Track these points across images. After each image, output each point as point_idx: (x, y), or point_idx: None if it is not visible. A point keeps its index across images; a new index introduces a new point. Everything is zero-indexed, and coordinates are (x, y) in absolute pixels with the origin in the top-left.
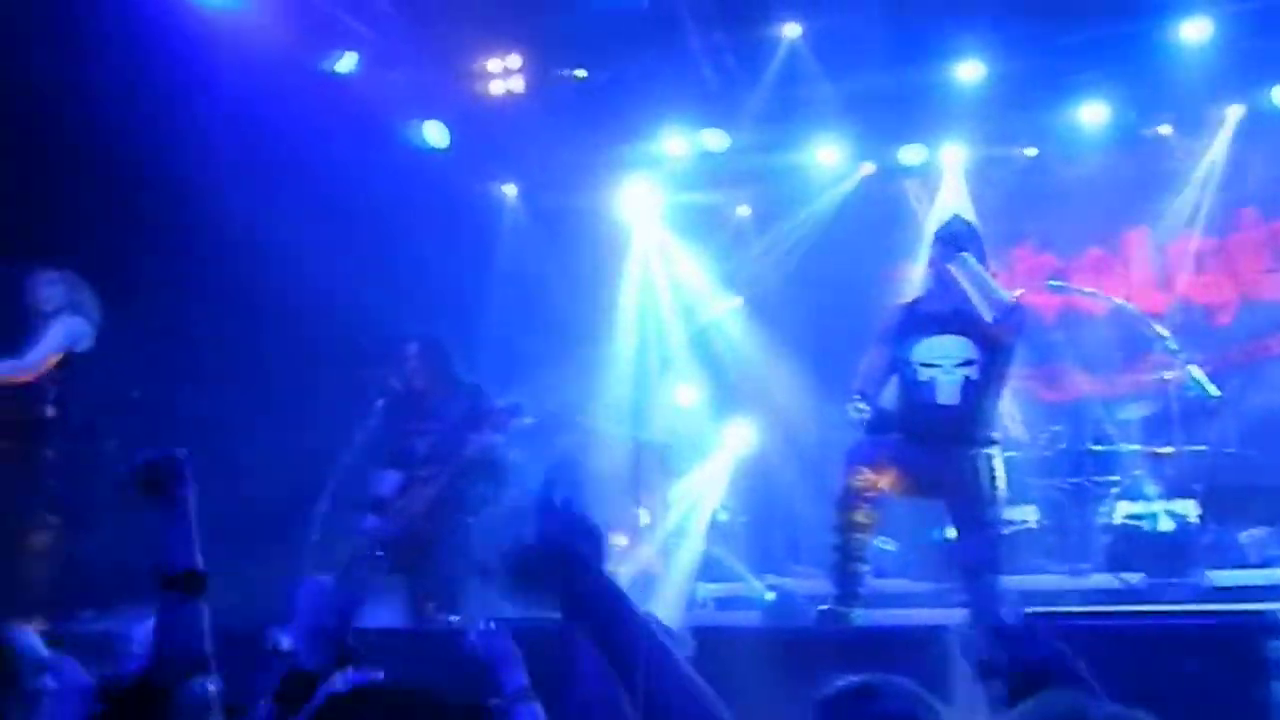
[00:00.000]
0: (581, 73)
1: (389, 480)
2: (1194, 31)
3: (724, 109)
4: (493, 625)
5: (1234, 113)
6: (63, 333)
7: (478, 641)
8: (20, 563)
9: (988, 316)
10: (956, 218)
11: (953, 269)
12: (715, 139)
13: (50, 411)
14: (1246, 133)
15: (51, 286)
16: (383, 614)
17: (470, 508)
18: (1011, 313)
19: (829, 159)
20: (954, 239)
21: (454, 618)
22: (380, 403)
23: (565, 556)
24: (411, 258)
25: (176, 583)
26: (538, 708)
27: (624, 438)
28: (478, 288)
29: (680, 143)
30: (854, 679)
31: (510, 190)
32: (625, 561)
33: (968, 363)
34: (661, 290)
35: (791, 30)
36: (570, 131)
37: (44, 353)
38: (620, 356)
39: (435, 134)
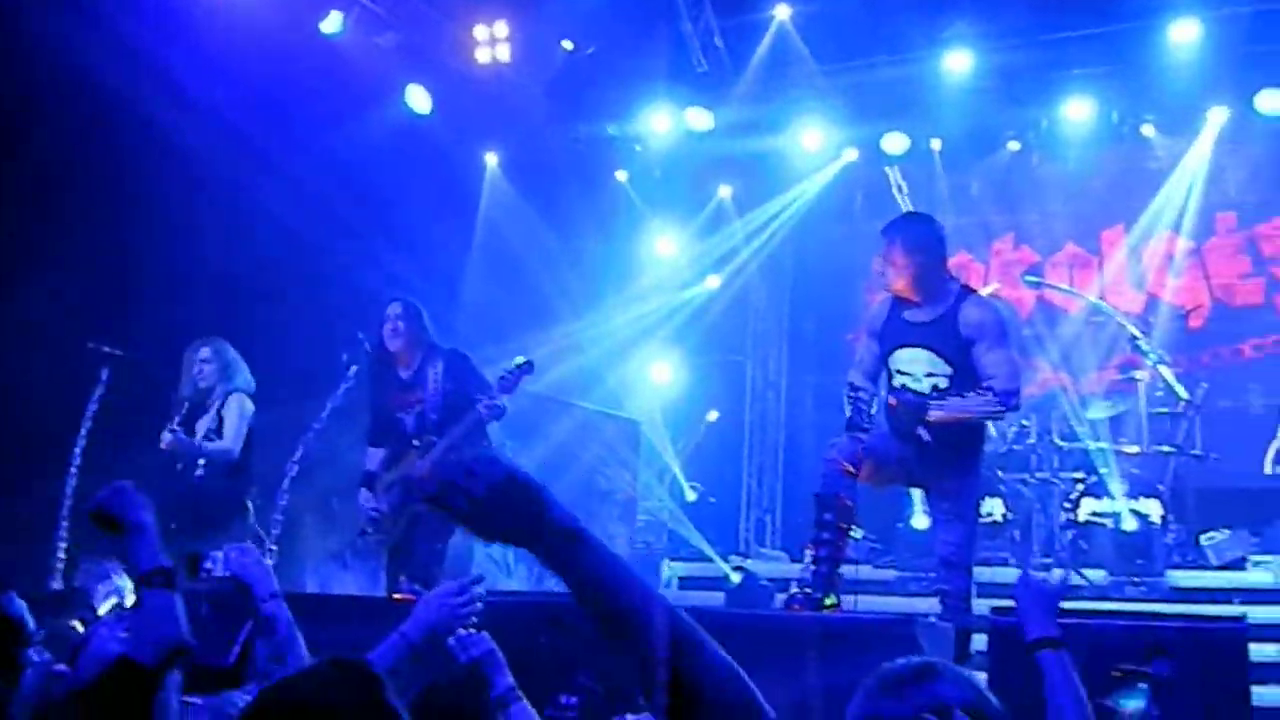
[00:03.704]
0: (569, 44)
1: (376, 456)
2: (1182, 33)
3: (710, 89)
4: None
5: (1217, 116)
6: (239, 410)
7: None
8: None
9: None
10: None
11: (932, 418)
12: (700, 118)
13: None
14: (1228, 137)
15: (207, 363)
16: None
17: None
18: (1003, 404)
19: (813, 143)
20: (908, 409)
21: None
22: (353, 369)
23: (533, 488)
24: (391, 222)
25: (147, 579)
26: (527, 705)
27: (599, 415)
28: (457, 256)
29: (665, 120)
30: (914, 659)
31: (492, 159)
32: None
33: (938, 374)
34: (641, 268)
35: (782, 12)
36: (555, 103)
37: (239, 434)
38: (598, 333)
39: (419, 99)
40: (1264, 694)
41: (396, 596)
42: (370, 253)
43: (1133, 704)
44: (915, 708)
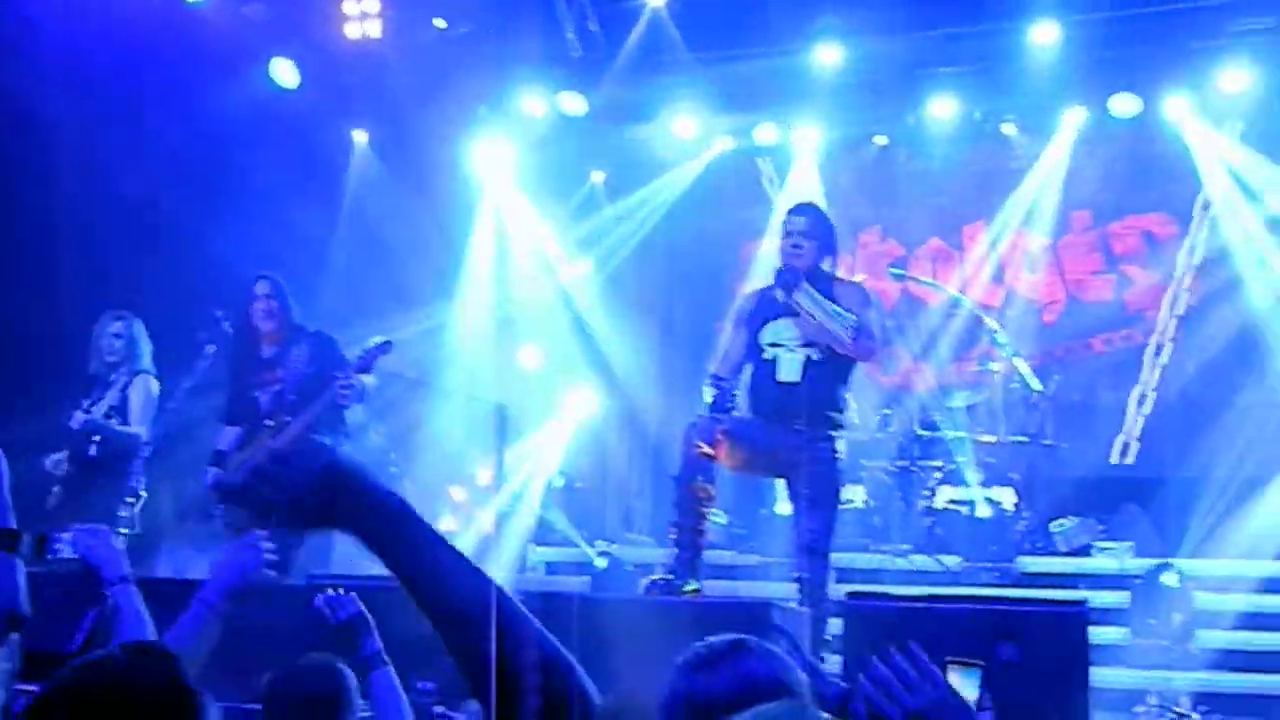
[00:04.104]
0: (441, 23)
1: (229, 435)
2: (1042, 36)
3: (585, 73)
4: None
5: (1074, 118)
6: (146, 393)
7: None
8: None
9: (840, 347)
10: (800, 208)
11: (799, 300)
12: (574, 102)
13: None
14: (1085, 138)
15: (118, 338)
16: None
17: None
18: (858, 335)
19: (685, 131)
20: (787, 273)
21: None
22: (210, 349)
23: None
24: (255, 198)
25: None
26: (391, 671)
27: (464, 397)
28: (321, 235)
29: (538, 103)
30: (726, 636)
31: (361, 137)
32: (460, 522)
33: (811, 344)
34: (510, 250)
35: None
36: (426, 82)
37: (146, 418)
38: (465, 315)
39: (286, 73)
40: (1106, 675)
41: None
42: (233, 229)
43: (966, 692)
44: (727, 683)
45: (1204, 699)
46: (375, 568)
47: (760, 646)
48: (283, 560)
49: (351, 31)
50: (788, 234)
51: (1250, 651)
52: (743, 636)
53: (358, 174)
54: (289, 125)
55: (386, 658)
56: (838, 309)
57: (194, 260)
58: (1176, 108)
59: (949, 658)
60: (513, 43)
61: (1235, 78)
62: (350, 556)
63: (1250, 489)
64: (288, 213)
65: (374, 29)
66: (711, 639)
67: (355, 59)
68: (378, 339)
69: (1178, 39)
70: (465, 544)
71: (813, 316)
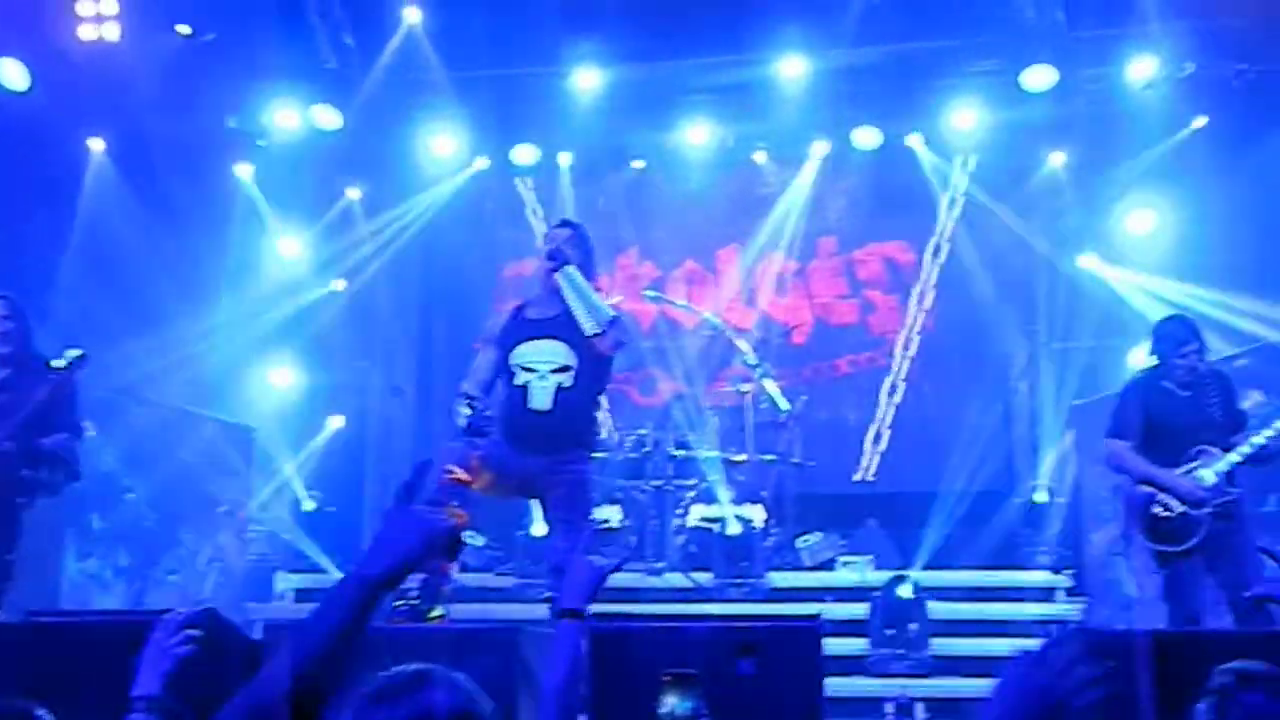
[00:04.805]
0: (185, 29)
1: None
2: (790, 69)
3: (339, 87)
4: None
5: (820, 148)
6: None
7: None
8: None
9: (588, 330)
10: (565, 223)
11: (558, 279)
12: (328, 117)
13: None
14: (831, 168)
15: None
16: None
17: (25, 490)
18: (611, 326)
19: (443, 149)
20: (559, 249)
21: None
22: None
23: None
24: None
25: None
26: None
27: (209, 418)
28: (53, 250)
29: (290, 115)
30: (411, 667)
31: (98, 145)
32: (204, 546)
33: (563, 369)
34: (260, 267)
35: (412, 15)
36: (169, 90)
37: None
38: (211, 332)
39: (15, 75)
40: (846, 684)
41: None
42: None
43: (683, 706)
44: (406, 715)
45: (938, 704)
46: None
47: (445, 676)
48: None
49: (86, 34)
50: (552, 240)
51: (982, 658)
52: (427, 666)
53: (94, 185)
54: (17, 130)
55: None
56: (598, 298)
57: None
58: (914, 141)
59: (665, 672)
60: (263, 52)
61: (966, 115)
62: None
63: (980, 502)
64: (13, 224)
65: (111, 32)
66: (395, 669)
67: (91, 63)
68: (72, 353)
69: (915, 77)
70: (211, 572)
71: (572, 297)
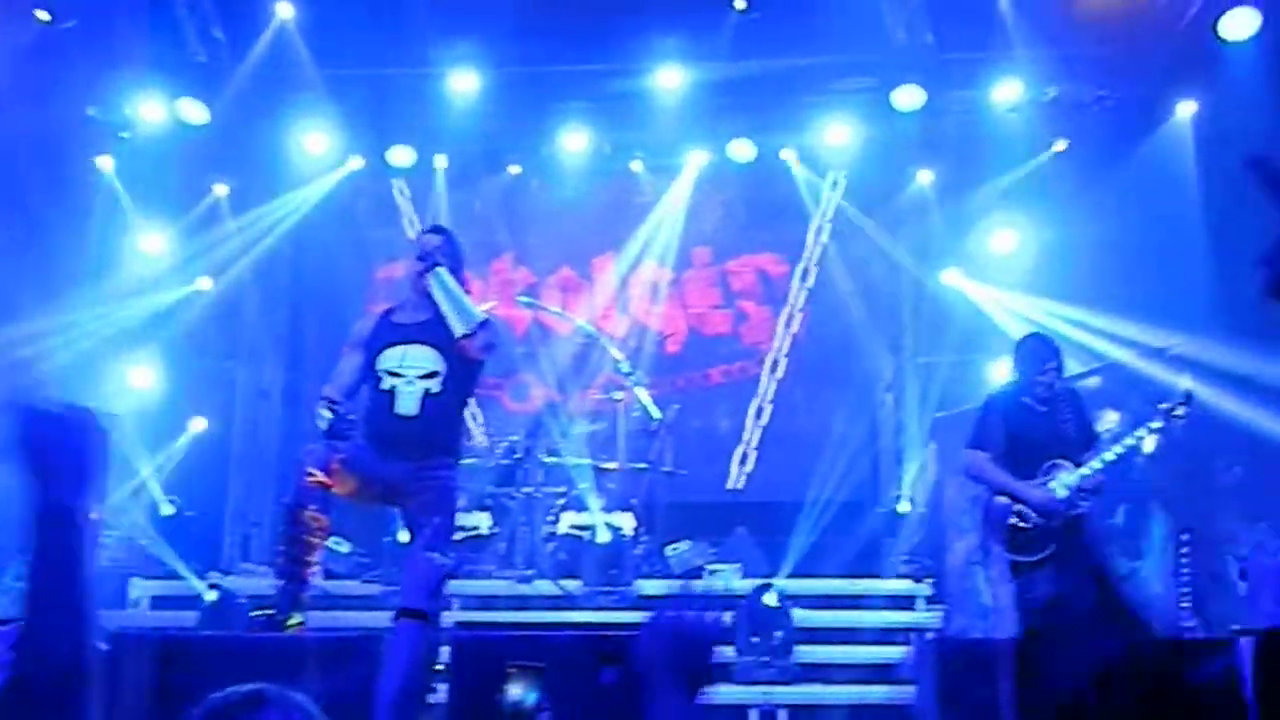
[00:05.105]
0: (44, 15)
1: None
2: (667, 80)
3: (208, 81)
4: None
5: (696, 159)
6: None
7: None
8: None
9: (458, 332)
10: (436, 228)
11: (428, 281)
12: (195, 110)
13: None
14: (706, 178)
15: None
16: None
17: None
18: (481, 329)
19: (316, 147)
20: (430, 251)
21: None
22: None
23: None
24: None
25: None
26: None
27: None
28: None
29: (155, 109)
30: (246, 687)
31: None
32: None
33: (431, 375)
34: (122, 263)
35: (284, 11)
36: (26, 77)
37: None
38: (66, 328)
39: None
40: (712, 692)
41: None
42: None
43: (526, 699)
44: None
45: (802, 711)
46: None
47: (281, 696)
48: None
49: None
50: (422, 246)
51: (845, 665)
52: (263, 686)
53: None
54: None
55: None
56: (468, 301)
57: None
58: (788, 155)
59: (509, 664)
60: (126, 42)
61: (838, 131)
62: None
63: (843, 512)
64: None
65: None
66: (231, 689)
67: None
68: None
69: (790, 93)
70: None
71: (442, 299)
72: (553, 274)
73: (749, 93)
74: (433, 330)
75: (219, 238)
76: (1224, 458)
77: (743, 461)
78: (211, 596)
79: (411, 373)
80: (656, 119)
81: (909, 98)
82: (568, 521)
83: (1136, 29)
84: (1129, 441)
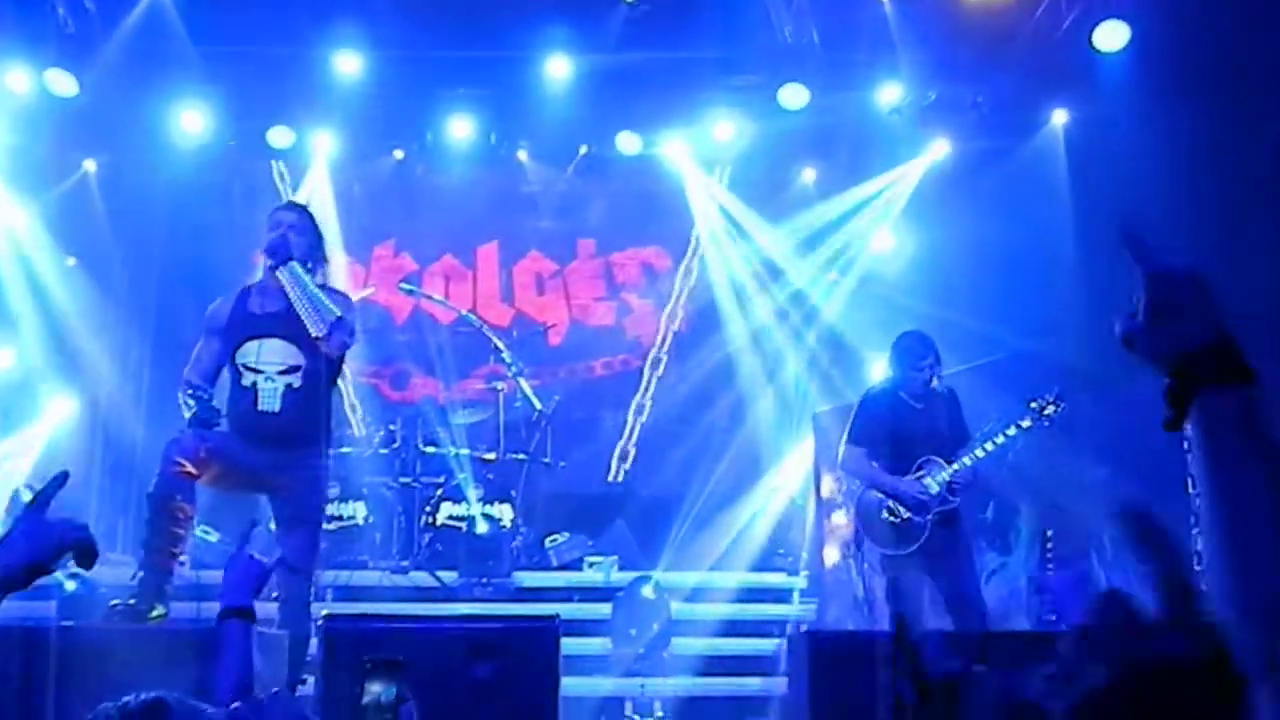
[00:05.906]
0: None
1: None
2: (555, 69)
3: (78, 53)
4: None
5: (582, 150)
6: None
7: None
8: None
9: (313, 332)
10: (291, 205)
11: (279, 277)
12: (63, 82)
13: None
14: (592, 169)
15: None
16: None
17: None
18: (335, 329)
19: (191, 126)
20: (282, 240)
21: None
22: None
23: None
24: None
25: None
26: None
27: None
28: None
29: (21, 78)
30: (144, 695)
31: None
32: None
33: (292, 369)
34: None
35: None
36: None
37: None
38: None
39: None
40: (588, 684)
41: None
42: None
43: (387, 694)
44: None
45: (679, 703)
46: None
47: (181, 705)
48: None
49: None
50: (276, 225)
51: (721, 656)
52: (162, 695)
53: None
54: None
55: None
56: (323, 297)
57: None
58: (674, 150)
59: (367, 658)
60: None
61: (725, 127)
62: None
63: (721, 506)
64: None
65: None
66: (126, 698)
67: None
68: None
69: (677, 87)
70: None
71: (295, 297)
72: (436, 261)
73: (637, 85)
74: (288, 323)
75: (87, 215)
76: (1090, 456)
77: (623, 455)
78: (71, 586)
79: (271, 368)
80: (544, 108)
81: (794, 96)
82: (445, 512)
83: (1014, 35)
84: (1000, 439)
